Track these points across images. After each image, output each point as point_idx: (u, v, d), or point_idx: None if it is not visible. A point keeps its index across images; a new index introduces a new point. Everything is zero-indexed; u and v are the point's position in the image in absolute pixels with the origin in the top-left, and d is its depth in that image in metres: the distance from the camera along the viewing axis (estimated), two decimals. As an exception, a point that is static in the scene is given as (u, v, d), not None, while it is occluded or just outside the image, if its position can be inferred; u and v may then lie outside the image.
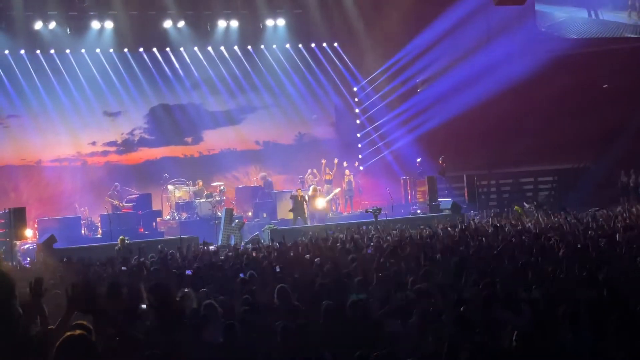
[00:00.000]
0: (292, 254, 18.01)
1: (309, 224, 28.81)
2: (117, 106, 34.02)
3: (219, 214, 28.96)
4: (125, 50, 33.84)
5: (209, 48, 34.95)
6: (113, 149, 34.21)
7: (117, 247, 22.83)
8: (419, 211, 31.17)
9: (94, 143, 33.90)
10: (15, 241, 24.71)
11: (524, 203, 31.19)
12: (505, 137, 34.89)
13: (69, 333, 4.90)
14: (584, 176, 35.33)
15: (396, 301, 10.96)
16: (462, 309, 9.78)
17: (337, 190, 33.34)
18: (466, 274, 12.73)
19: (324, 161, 33.45)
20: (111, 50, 33.42)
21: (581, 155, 35.58)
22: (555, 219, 23.31)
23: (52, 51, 32.63)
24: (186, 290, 11.04)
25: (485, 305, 10.31)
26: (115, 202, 30.34)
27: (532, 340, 8.22)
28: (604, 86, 35.71)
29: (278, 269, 14.50)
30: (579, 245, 15.64)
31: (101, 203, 30.20)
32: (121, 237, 23.97)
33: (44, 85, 32.71)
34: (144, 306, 10.84)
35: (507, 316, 9.71)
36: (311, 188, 31.15)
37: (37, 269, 19.15)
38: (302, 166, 34.08)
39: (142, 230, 29.20)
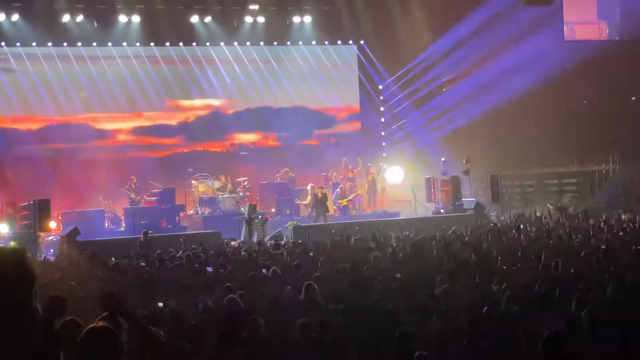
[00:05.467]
0: (311, 254, 17.99)
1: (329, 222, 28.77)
2: (142, 100, 34.10)
3: (243, 209, 28.94)
4: (152, 44, 33.96)
5: (235, 44, 35.00)
6: (138, 142, 34.26)
7: (139, 240, 22.96)
8: (442, 210, 31.03)
9: (118, 136, 34.04)
10: (39, 233, 24.81)
11: (548, 204, 30.98)
12: (531, 138, 34.71)
13: (91, 325, 4.95)
14: (609, 178, 35.07)
15: (417, 301, 10.94)
16: (484, 310, 9.75)
17: (359, 191, 33.28)
18: (489, 276, 12.70)
19: (344, 160, 33.44)
20: (138, 44, 33.55)
21: (607, 157, 35.31)
22: (580, 221, 23.20)
23: (79, 44, 32.77)
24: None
25: (507, 307, 10.29)
26: (132, 195, 30.37)
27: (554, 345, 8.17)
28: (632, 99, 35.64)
29: (301, 271, 14.40)
30: (602, 247, 15.59)
31: (125, 196, 30.37)
32: (144, 230, 24.07)
33: (70, 79, 32.88)
34: (160, 304, 10.94)
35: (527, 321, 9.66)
36: (318, 191, 30.36)
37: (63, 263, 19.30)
38: (326, 164, 34.00)
39: (165, 224, 29.24)
